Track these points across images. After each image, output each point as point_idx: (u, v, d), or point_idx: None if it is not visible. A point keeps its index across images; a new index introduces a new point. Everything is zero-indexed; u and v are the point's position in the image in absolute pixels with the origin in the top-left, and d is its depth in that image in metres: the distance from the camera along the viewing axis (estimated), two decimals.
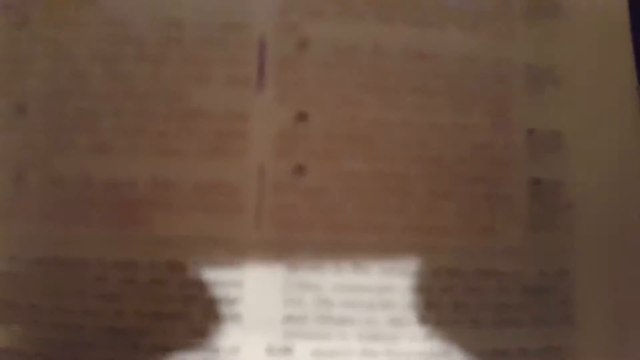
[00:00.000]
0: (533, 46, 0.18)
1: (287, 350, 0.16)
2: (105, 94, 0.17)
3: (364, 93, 0.17)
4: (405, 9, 0.17)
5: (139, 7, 0.17)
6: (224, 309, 0.16)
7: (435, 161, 0.17)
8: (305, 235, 0.17)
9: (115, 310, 0.16)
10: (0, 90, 0.17)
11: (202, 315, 0.16)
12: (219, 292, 0.16)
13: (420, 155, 0.17)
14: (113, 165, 0.17)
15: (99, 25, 0.17)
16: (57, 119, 0.17)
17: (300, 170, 0.17)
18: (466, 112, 0.18)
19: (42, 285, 0.17)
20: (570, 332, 0.18)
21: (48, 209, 0.17)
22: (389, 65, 0.17)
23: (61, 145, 0.17)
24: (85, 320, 0.17)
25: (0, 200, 0.17)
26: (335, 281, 0.17)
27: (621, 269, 0.18)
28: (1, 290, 0.17)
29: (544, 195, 0.18)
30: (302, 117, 0.17)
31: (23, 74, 0.17)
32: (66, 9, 0.17)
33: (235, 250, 0.16)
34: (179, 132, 0.17)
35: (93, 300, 0.17)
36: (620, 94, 0.19)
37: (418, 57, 0.17)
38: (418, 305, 0.17)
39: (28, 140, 0.17)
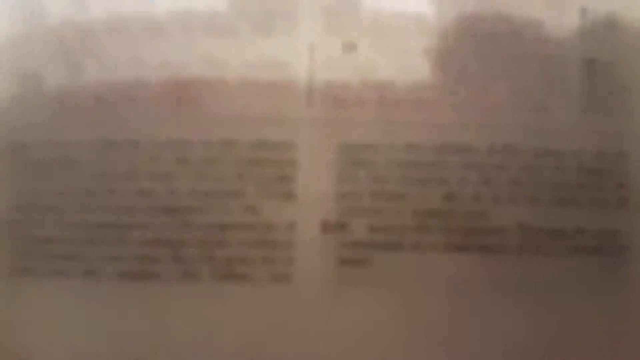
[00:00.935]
0: None
1: (342, 226, 0.16)
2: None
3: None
4: None
5: None
6: (279, 187, 0.16)
7: (487, 37, 0.16)
8: (356, 112, 0.16)
9: (168, 189, 0.16)
10: None
11: (256, 193, 0.16)
12: (272, 169, 0.16)
13: (473, 31, 0.16)
14: (165, 47, 0.16)
15: None
16: (114, 7, 0.17)
17: (350, 46, 0.16)
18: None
19: (96, 170, 0.16)
20: (625, 215, 0.17)
21: (101, 92, 0.16)
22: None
23: (116, 30, 0.16)
24: (138, 202, 0.16)
25: (57, 88, 0.17)
26: (387, 158, 0.16)
27: None
28: (61, 177, 0.17)
29: (599, 76, 0.17)
30: None
31: None
32: None
33: (288, 128, 0.16)
34: (235, 12, 0.16)
35: (146, 181, 0.16)
36: None
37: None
38: (473, 182, 0.16)
39: (86, 29, 0.17)
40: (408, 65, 0.16)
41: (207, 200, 0.16)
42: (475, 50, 0.16)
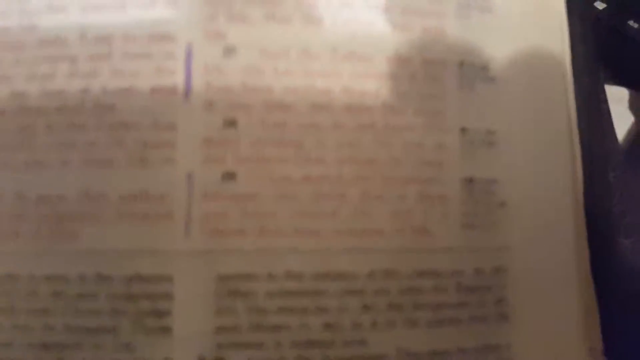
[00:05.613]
0: (465, 44, 0.15)
1: None
2: (39, 110, 0.14)
3: (293, 97, 0.14)
4: (333, 9, 0.14)
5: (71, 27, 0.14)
6: (154, 322, 0.13)
7: (367, 163, 0.14)
8: (235, 243, 0.13)
9: (44, 325, 0.13)
10: None
11: (131, 328, 0.13)
12: (148, 304, 0.13)
13: (352, 157, 0.14)
14: (44, 180, 0.14)
15: (35, 46, 0.14)
16: None
17: (229, 176, 0.14)
18: (398, 113, 0.14)
19: None
20: (505, 329, 0.14)
21: None
22: (318, 64, 0.14)
23: None
24: (15, 336, 0.13)
25: None
26: (268, 288, 0.13)
27: (553, 265, 0.15)
28: None
29: (478, 193, 0.15)
30: (230, 123, 0.14)
31: None
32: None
33: (164, 261, 0.13)
34: (108, 144, 0.14)
35: (23, 316, 0.13)
36: (552, 91, 0.16)
37: (348, 57, 0.14)
38: (352, 309, 0.14)
39: None
40: (288, 193, 0.14)
41: (82, 336, 0.13)
42: (355, 175, 0.14)
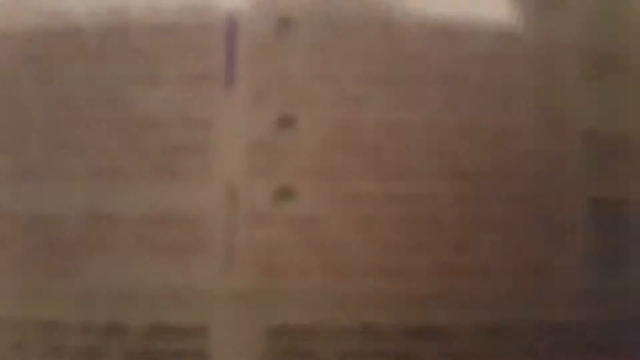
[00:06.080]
0: (590, 23, 0.11)
1: None
2: (33, 102, 0.10)
3: (371, 87, 0.10)
4: None
5: None
6: None
7: (465, 177, 0.10)
8: (293, 283, 0.10)
9: None
10: None
11: None
12: None
13: (449, 170, 0.10)
14: (39, 195, 0.10)
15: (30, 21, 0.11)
16: None
17: (286, 193, 0.10)
18: (508, 110, 0.11)
19: None
20: None
21: None
22: (403, 48, 0.10)
23: None
24: None
25: None
26: (338, 348, 0.10)
27: None
28: None
29: (608, 219, 0.11)
30: (286, 121, 0.10)
31: None
32: None
33: (198, 306, 0.10)
34: (122, 149, 0.10)
35: None
36: None
37: (443, 34, 0.11)
38: None
39: None
40: (362, 217, 0.10)
41: None
42: (451, 193, 0.10)
